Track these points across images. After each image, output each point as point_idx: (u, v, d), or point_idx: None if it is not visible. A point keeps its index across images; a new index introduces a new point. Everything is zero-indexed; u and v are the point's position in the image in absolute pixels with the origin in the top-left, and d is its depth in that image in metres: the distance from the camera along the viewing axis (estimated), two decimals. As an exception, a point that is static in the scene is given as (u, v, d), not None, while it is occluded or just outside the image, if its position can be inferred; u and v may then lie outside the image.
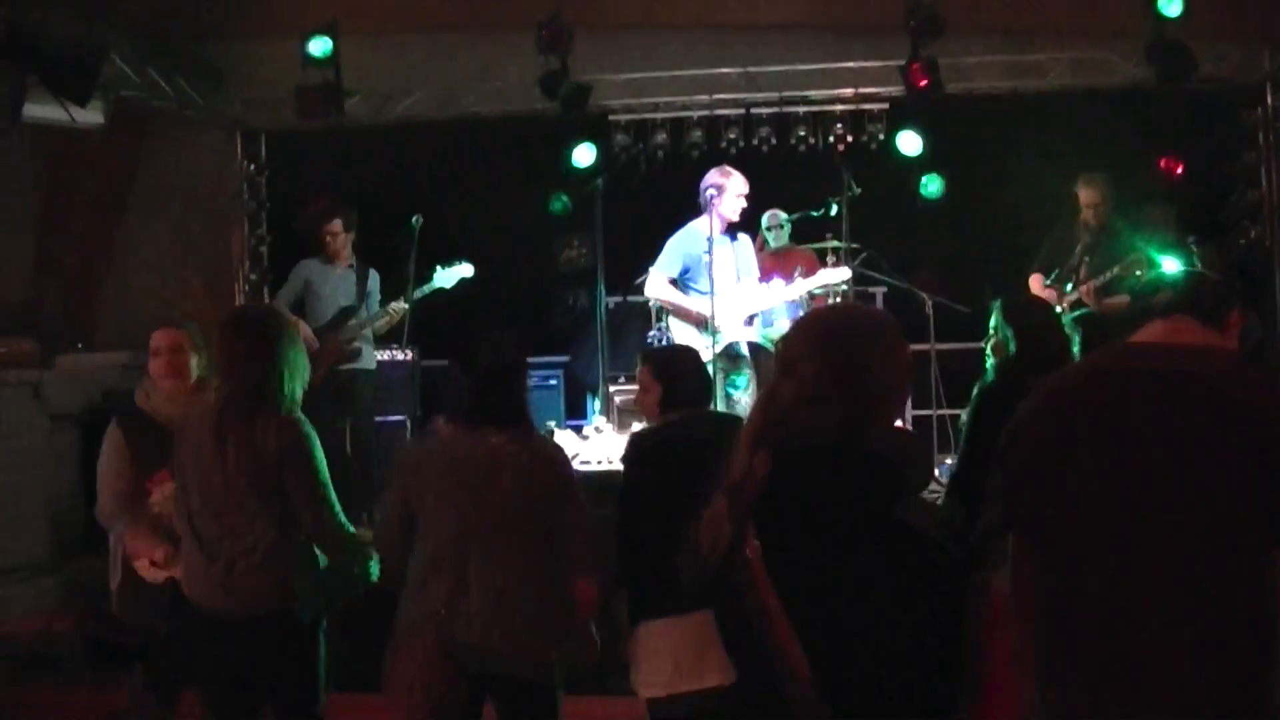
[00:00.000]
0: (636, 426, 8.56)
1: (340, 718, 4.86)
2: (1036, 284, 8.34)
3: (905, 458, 2.71)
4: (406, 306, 8.55)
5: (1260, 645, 2.41)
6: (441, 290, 8.63)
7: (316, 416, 8.20)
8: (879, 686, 2.57)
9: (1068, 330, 7.84)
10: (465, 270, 8.66)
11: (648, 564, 4.46)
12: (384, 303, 8.74)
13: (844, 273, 8.39)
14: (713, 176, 8.15)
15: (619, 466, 7.48)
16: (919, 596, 2.59)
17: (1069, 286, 8.11)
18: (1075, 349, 5.34)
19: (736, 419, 5.09)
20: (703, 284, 8.19)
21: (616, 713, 5.61)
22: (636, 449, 4.80)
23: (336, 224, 8.75)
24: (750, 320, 8.42)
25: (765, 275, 8.43)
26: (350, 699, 6.38)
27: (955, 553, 2.65)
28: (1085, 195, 8.31)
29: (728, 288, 8.08)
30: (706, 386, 5.15)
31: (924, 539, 2.63)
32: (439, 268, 8.63)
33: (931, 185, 9.60)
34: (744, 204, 8.13)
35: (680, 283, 8.31)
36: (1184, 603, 2.42)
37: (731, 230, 8.26)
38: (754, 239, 8.75)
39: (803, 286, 8.22)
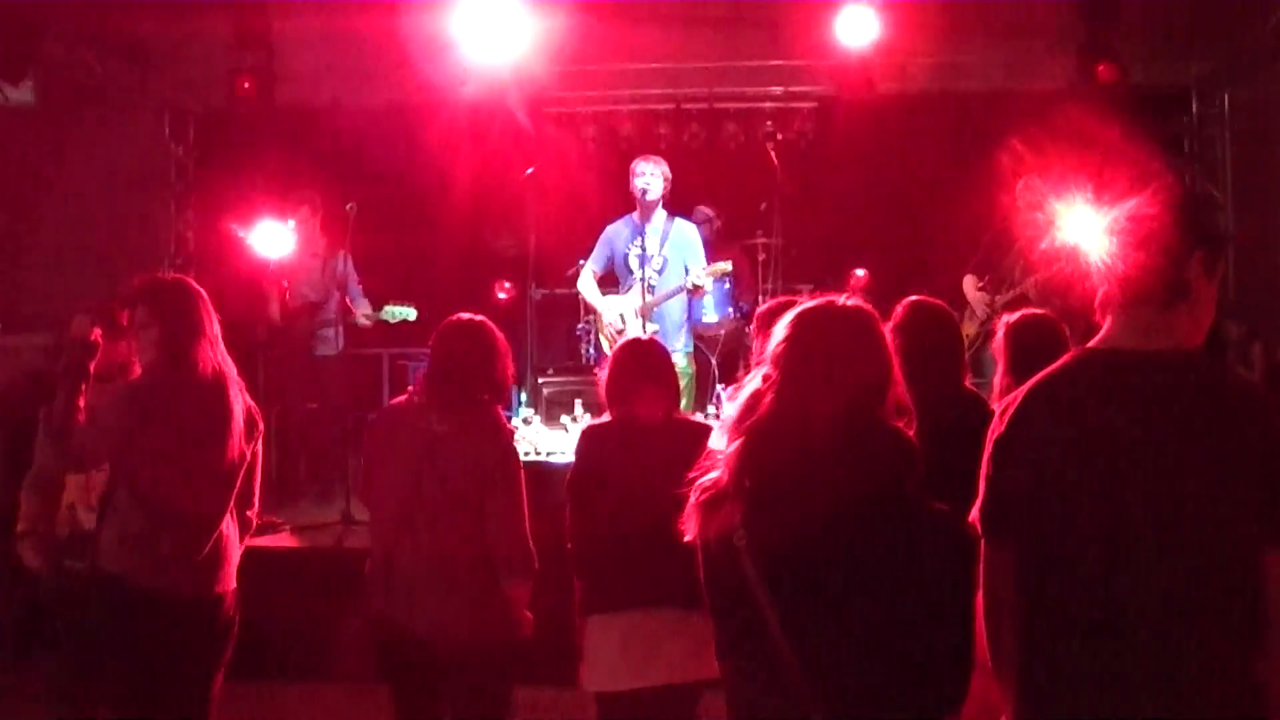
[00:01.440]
0: (565, 419, 8.61)
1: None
2: (969, 285, 8.34)
3: (907, 441, 2.75)
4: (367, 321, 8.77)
5: (1253, 644, 2.47)
6: (385, 321, 8.79)
7: (288, 401, 8.57)
8: (887, 674, 2.60)
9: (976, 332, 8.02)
10: (409, 313, 8.77)
11: (601, 556, 4.48)
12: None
13: (725, 265, 8.37)
14: None
15: (546, 458, 7.59)
16: (931, 580, 2.62)
17: (1003, 288, 8.11)
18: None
19: (696, 422, 5.10)
20: (622, 275, 8.32)
21: (570, 704, 5.61)
22: (591, 439, 4.75)
23: (304, 211, 8.85)
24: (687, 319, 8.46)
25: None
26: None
27: (969, 534, 2.69)
28: (1025, 199, 8.27)
29: (641, 280, 8.13)
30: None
31: (937, 518, 2.68)
32: (389, 306, 8.74)
33: None
34: (645, 184, 8.09)
35: (613, 275, 8.44)
36: (1178, 605, 2.46)
37: (670, 218, 8.29)
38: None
39: (692, 280, 8.14)
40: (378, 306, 8.78)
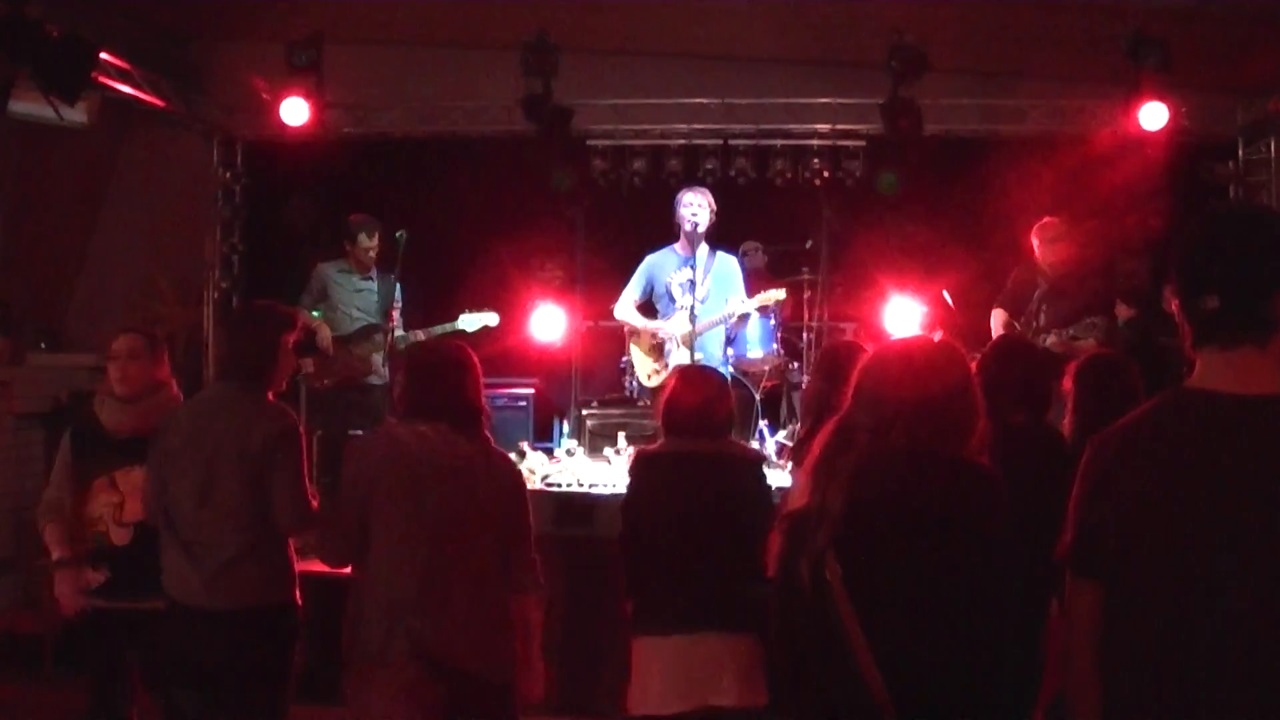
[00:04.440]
0: (608, 450, 8.63)
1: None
2: (1000, 319, 8.37)
3: (993, 477, 2.79)
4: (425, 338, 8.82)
5: None
6: (463, 333, 8.81)
7: (334, 425, 8.59)
8: (966, 708, 2.66)
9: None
10: (490, 319, 8.92)
11: (652, 580, 4.52)
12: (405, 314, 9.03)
13: (779, 293, 8.50)
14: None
15: (589, 489, 7.62)
16: (1015, 617, 2.72)
17: (1030, 335, 8.10)
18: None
19: (750, 450, 5.11)
20: (663, 305, 8.38)
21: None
22: (645, 466, 4.77)
23: (377, 239, 8.93)
24: (725, 348, 8.55)
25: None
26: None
27: (1044, 574, 2.73)
28: (1039, 246, 8.32)
29: (686, 309, 8.26)
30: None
31: (1021, 557, 2.74)
32: (466, 311, 8.88)
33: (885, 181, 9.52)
34: (694, 215, 8.21)
35: (651, 304, 8.50)
36: (1271, 652, 2.44)
37: (711, 251, 8.38)
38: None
39: (739, 307, 8.34)
40: (450, 317, 8.91)
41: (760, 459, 5.12)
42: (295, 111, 9.00)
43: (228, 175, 10.32)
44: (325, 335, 8.78)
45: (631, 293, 8.65)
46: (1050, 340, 7.97)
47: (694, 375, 4.96)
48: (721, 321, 8.36)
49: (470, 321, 8.86)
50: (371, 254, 8.97)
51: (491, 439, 4.51)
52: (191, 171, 10.34)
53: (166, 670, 4.74)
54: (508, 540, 4.41)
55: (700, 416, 4.64)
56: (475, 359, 4.51)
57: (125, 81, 8.91)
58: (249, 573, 4.56)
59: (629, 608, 4.64)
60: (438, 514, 4.28)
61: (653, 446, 4.83)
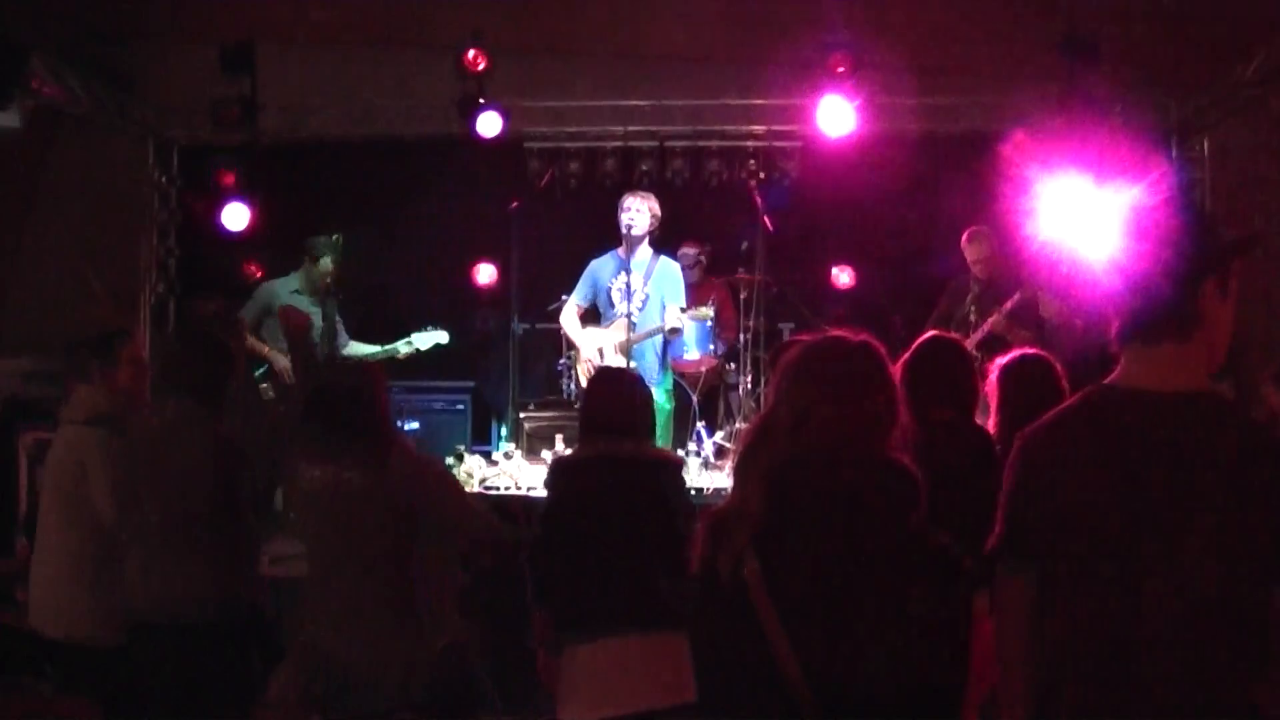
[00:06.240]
0: (545, 453, 8.61)
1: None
2: None
3: (912, 475, 2.80)
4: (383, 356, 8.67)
5: (1257, 674, 2.50)
6: (417, 351, 8.72)
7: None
8: (888, 703, 2.66)
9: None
10: (441, 336, 8.78)
11: (575, 587, 4.50)
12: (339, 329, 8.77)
13: (708, 310, 8.50)
14: None
15: (527, 492, 7.61)
16: (936, 611, 2.72)
17: (968, 333, 8.14)
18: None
19: (666, 454, 5.11)
20: (604, 310, 8.42)
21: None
22: (563, 472, 4.78)
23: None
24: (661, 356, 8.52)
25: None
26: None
27: (969, 569, 2.73)
28: (970, 252, 8.37)
29: (624, 316, 8.23)
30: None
31: (942, 552, 2.76)
32: (416, 331, 8.72)
33: None
34: (630, 218, 8.18)
35: (597, 309, 8.54)
36: (1189, 637, 2.48)
37: (655, 255, 8.37)
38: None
39: (674, 323, 8.25)
40: (396, 337, 8.75)
41: (679, 461, 5.11)
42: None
43: (163, 178, 10.24)
44: (285, 366, 8.59)
45: (576, 298, 8.58)
46: (990, 322, 8.02)
47: (610, 378, 5.01)
48: (657, 332, 8.32)
49: (423, 340, 8.75)
50: (329, 279, 8.62)
51: (382, 458, 4.49)
52: (124, 175, 10.24)
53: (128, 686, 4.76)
54: (411, 548, 4.52)
55: (617, 419, 4.63)
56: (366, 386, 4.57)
57: (57, 85, 8.82)
58: (213, 586, 4.59)
59: (538, 617, 4.65)
60: (320, 543, 4.43)
61: (571, 452, 4.84)
